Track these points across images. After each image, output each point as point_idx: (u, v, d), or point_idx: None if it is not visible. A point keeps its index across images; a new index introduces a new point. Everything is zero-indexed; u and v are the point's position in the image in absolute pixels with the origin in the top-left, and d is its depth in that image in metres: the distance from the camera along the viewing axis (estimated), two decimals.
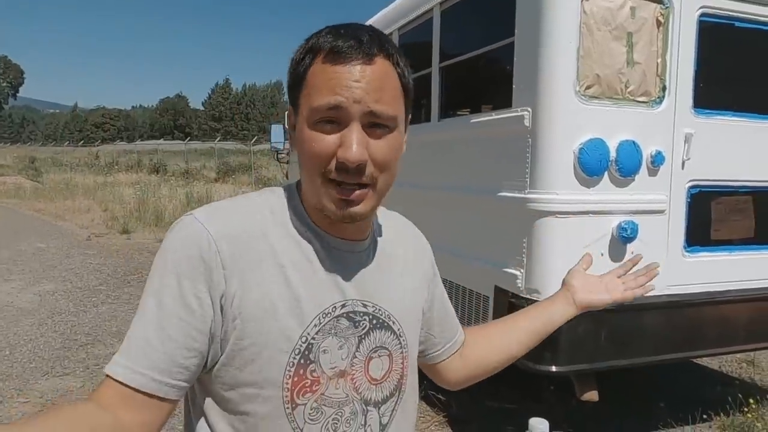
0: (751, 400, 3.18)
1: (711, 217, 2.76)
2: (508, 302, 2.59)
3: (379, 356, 0.86)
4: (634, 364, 2.71)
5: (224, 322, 0.75)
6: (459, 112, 3.23)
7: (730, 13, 2.64)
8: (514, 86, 2.62)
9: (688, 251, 2.69)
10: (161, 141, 44.83)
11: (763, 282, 2.85)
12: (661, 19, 2.52)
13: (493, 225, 2.75)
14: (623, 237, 2.48)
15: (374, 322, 0.85)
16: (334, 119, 0.75)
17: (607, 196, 2.49)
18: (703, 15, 2.60)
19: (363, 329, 0.84)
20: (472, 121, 2.98)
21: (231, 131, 66.88)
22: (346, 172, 0.75)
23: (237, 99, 73.67)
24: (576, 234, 2.45)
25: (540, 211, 2.45)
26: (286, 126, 0.87)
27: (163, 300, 0.74)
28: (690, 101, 2.62)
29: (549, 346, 2.47)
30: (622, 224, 2.47)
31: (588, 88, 2.43)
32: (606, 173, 2.47)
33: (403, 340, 0.89)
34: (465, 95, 3.30)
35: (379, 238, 0.92)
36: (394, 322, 0.88)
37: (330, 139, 0.75)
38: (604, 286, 1.13)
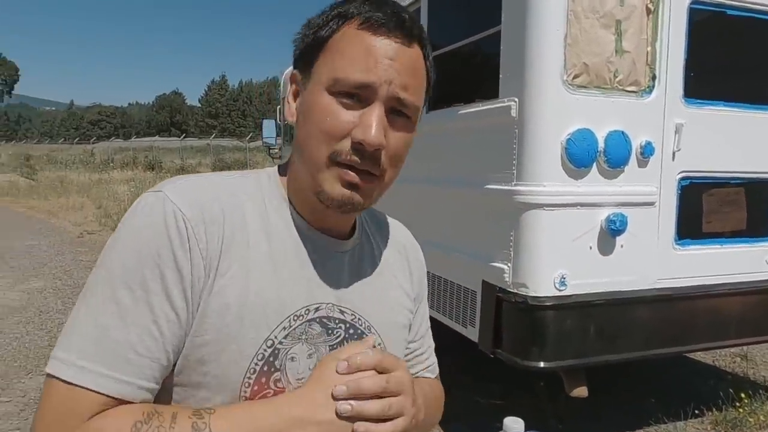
0: (743, 395, 3.14)
1: (702, 209, 2.71)
2: (496, 297, 2.54)
3: None
4: (625, 359, 2.66)
5: (195, 314, 0.67)
6: (446, 104, 3.17)
7: (722, 1, 2.58)
8: (500, 76, 2.56)
9: (678, 244, 2.64)
10: (157, 138, 44.65)
11: (755, 275, 2.81)
12: (651, 6, 2.46)
13: (480, 218, 2.69)
14: (612, 230, 2.43)
15: (350, 331, 0.76)
16: (356, 95, 0.67)
17: (596, 188, 2.43)
18: (693, 2, 2.54)
19: (336, 338, 0.74)
20: (459, 112, 2.92)
21: (228, 128, 66.74)
22: (360, 157, 0.67)
23: (233, 96, 73.45)
24: (564, 227, 2.40)
25: (527, 203, 2.39)
26: (286, 96, 0.77)
27: (149, 298, 0.64)
28: (680, 91, 2.56)
29: (537, 341, 2.43)
30: (611, 216, 2.42)
31: (576, 77, 2.37)
32: (594, 164, 2.42)
33: None
34: (452, 86, 3.24)
35: (366, 242, 0.84)
36: (374, 335, 0.79)
37: (346, 116, 0.67)
38: None
